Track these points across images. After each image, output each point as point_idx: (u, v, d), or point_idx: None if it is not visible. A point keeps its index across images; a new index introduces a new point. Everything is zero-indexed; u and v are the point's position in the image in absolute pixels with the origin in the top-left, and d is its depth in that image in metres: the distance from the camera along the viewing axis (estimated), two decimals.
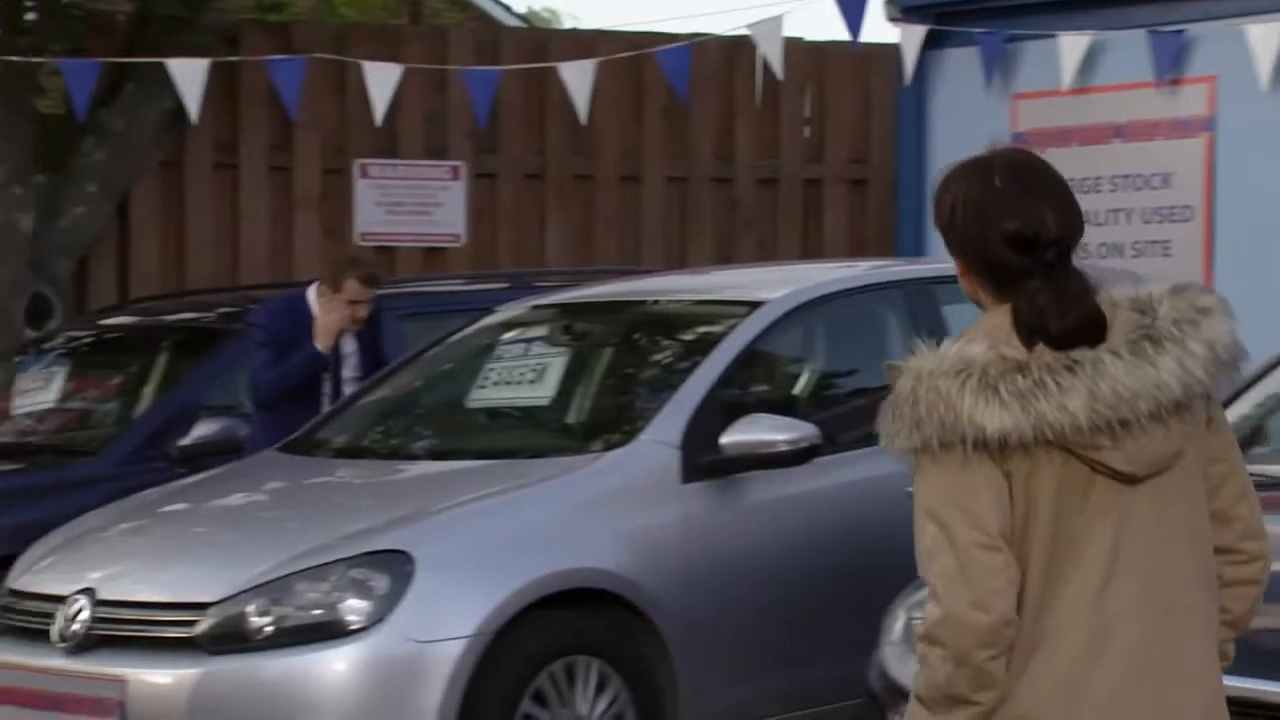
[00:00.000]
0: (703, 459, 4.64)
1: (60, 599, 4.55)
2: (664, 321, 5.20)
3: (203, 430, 5.92)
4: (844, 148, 10.17)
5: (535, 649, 4.37)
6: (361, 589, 4.29)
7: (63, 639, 4.48)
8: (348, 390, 5.88)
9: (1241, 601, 2.68)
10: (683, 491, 4.62)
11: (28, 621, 4.66)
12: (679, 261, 9.99)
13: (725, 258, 10.09)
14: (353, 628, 4.25)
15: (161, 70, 8.61)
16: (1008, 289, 2.50)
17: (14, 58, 8.16)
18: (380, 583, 4.27)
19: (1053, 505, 2.49)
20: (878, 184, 10.18)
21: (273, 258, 9.58)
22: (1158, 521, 2.54)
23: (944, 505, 2.48)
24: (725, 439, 4.63)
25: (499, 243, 9.92)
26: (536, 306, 5.64)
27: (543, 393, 5.12)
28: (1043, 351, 2.46)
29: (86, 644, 4.45)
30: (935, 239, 8.42)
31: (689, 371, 4.80)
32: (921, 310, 5.04)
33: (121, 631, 4.42)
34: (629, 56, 9.38)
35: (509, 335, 5.46)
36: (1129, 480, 2.51)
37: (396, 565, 4.29)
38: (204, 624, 4.33)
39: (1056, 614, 2.50)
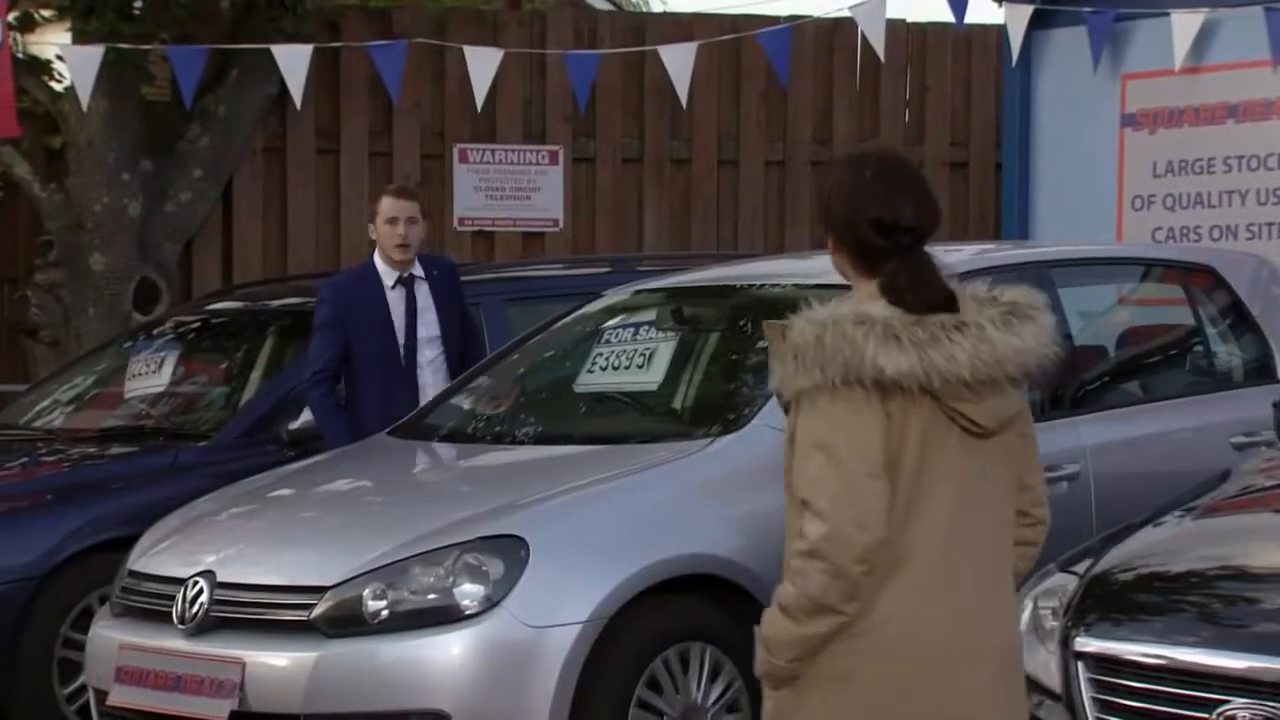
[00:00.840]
0: None
1: (180, 581, 4.59)
2: (774, 306, 5.14)
3: (312, 414, 5.96)
4: (944, 130, 10.09)
5: (649, 635, 4.35)
6: (476, 574, 4.28)
7: (182, 621, 4.53)
8: (429, 371, 5.73)
9: (1025, 560, 3.09)
10: None
11: (147, 603, 4.70)
12: (777, 246, 9.95)
13: (822, 242, 9.97)
14: (467, 612, 4.25)
15: (265, 56, 8.67)
16: (871, 267, 2.96)
17: (123, 45, 8.25)
18: (495, 567, 4.26)
19: (919, 446, 2.89)
20: (978, 167, 10.08)
21: (372, 243, 9.63)
22: (992, 476, 2.96)
23: (836, 437, 2.86)
24: None
25: (597, 227, 9.93)
26: (644, 291, 5.61)
27: (651, 378, 5.09)
28: (936, 314, 2.87)
29: (205, 626, 4.49)
30: (1040, 222, 8.36)
31: None
32: (1055, 291, 4.95)
33: (239, 614, 4.45)
34: (727, 40, 9.35)
35: (616, 320, 5.44)
36: (980, 433, 2.92)
37: (511, 550, 4.28)
38: (321, 607, 4.34)
39: (917, 537, 2.90)
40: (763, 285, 5.38)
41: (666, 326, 5.27)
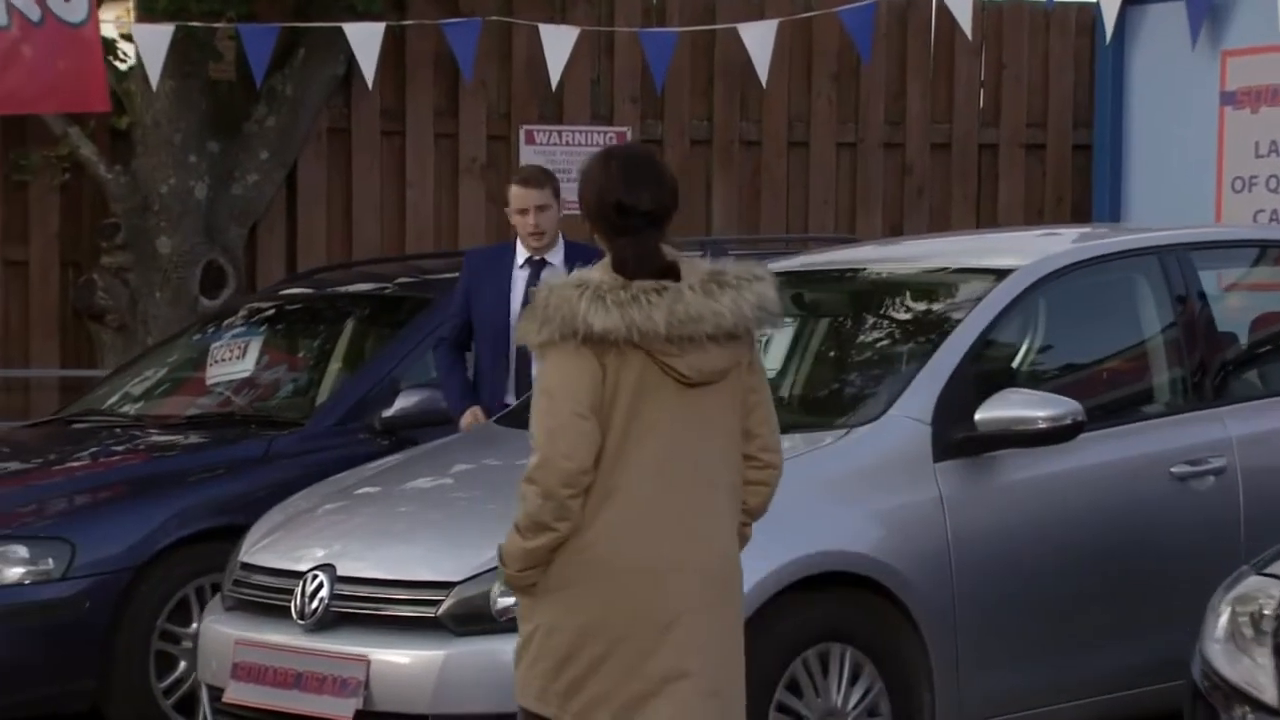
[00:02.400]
0: (955, 436, 4.44)
1: (297, 575, 4.43)
2: (899, 290, 4.97)
3: (405, 402, 5.81)
4: (1020, 111, 9.89)
5: (789, 635, 4.19)
6: None
7: (302, 616, 4.37)
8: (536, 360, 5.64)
9: (756, 497, 3.64)
10: (935, 470, 4.42)
11: (262, 596, 4.56)
12: (848, 230, 9.75)
13: (895, 226, 9.86)
14: None
15: (332, 35, 8.52)
16: (613, 242, 3.53)
17: (193, 23, 8.10)
18: None
19: (632, 392, 3.44)
20: (1055, 149, 9.89)
21: (438, 225, 9.49)
22: (705, 420, 3.51)
23: (554, 383, 3.45)
24: (980, 415, 4.42)
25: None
26: None
27: (769, 365, 4.91)
28: (644, 280, 3.45)
29: (325, 621, 4.32)
30: (1133, 205, 8.11)
31: (936, 343, 4.57)
32: (1178, 277, 4.80)
33: (361, 609, 4.28)
34: (803, 17, 9.16)
35: None
36: (688, 383, 3.47)
37: None
38: (447, 604, 4.19)
39: (628, 472, 3.44)
40: (886, 269, 5.19)
41: (787, 312, 5.06)
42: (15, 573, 5.39)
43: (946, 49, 9.81)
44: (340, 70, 9.07)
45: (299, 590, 4.39)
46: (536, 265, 5.82)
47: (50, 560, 5.39)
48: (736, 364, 3.52)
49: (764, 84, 8.49)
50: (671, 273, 3.46)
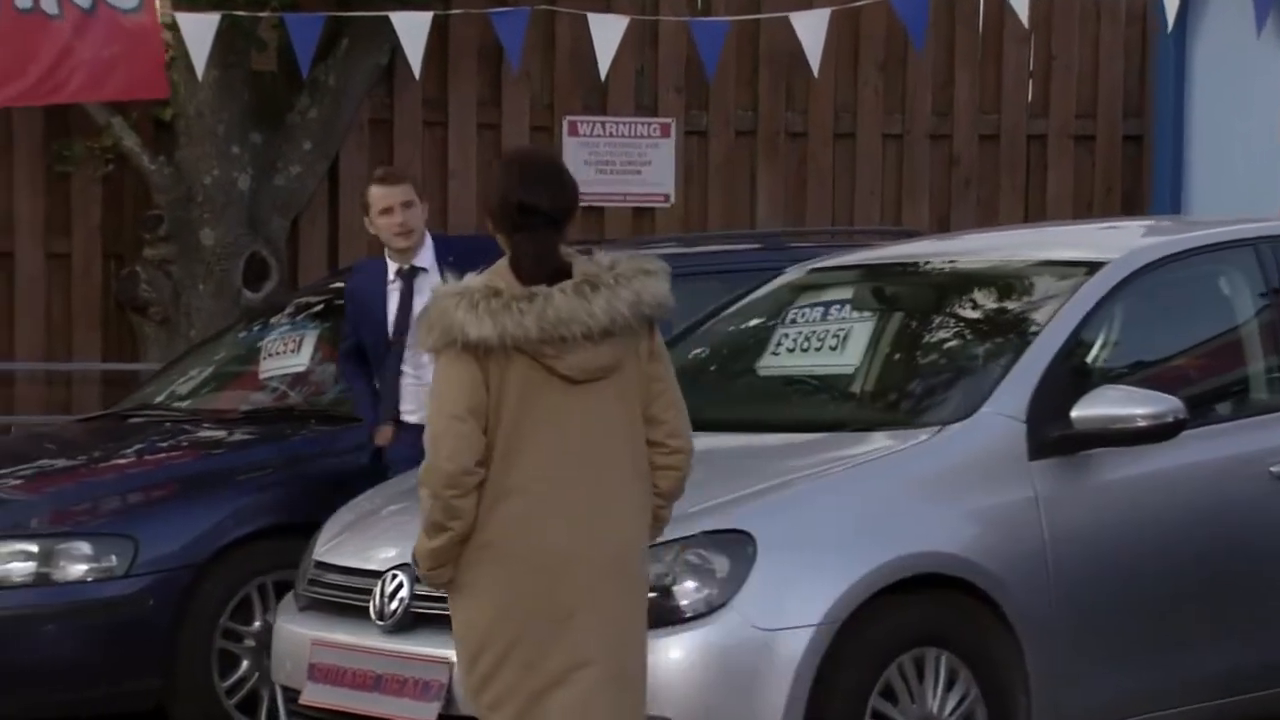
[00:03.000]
0: (1051, 434, 4.32)
1: (375, 574, 4.32)
2: (983, 283, 4.84)
3: None
4: (1070, 102, 9.76)
5: (883, 640, 4.08)
6: (698, 572, 4.01)
7: (381, 616, 4.25)
8: (411, 377, 5.34)
9: (667, 480, 3.74)
10: (1030, 469, 4.30)
11: (338, 596, 4.44)
12: (894, 222, 9.63)
13: (941, 218, 9.74)
14: (689, 614, 3.98)
15: (376, 25, 8.42)
16: (511, 240, 3.69)
17: (239, 12, 8.01)
18: (720, 565, 3.99)
19: (518, 394, 3.58)
20: (1105, 140, 9.76)
21: (481, 217, 9.37)
22: (597, 414, 3.62)
23: (439, 389, 3.61)
24: (1077, 413, 4.30)
25: (709, 202, 9.64)
26: (830, 268, 5.31)
27: (847, 360, 4.80)
28: (515, 285, 3.62)
29: (405, 622, 4.21)
30: (1194, 197, 7.96)
31: (1028, 338, 4.46)
32: (1274, 270, 4.67)
33: (441, 610, 4.07)
34: (852, 6, 9.04)
35: (802, 299, 5.15)
36: (571, 381, 3.60)
37: (737, 546, 4.00)
38: (374, 593, 4.12)
39: (521, 470, 3.58)
40: (971, 262, 5.05)
41: (865, 305, 4.97)
42: (78, 570, 5.31)
43: (995, 37, 9.69)
44: (384, 60, 8.97)
45: (377, 590, 4.27)
46: (408, 276, 5.57)
47: (113, 557, 5.30)
48: (625, 358, 3.64)
49: (815, 74, 8.36)
50: (565, 274, 3.62)
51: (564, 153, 9.47)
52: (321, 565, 4.56)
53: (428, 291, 5.02)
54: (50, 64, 6.87)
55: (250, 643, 5.47)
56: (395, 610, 4.24)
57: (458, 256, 5.36)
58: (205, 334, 8.55)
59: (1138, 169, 9.75)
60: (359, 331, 5.62)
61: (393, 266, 5.60)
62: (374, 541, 4.50)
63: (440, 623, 4.11)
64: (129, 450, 5.98)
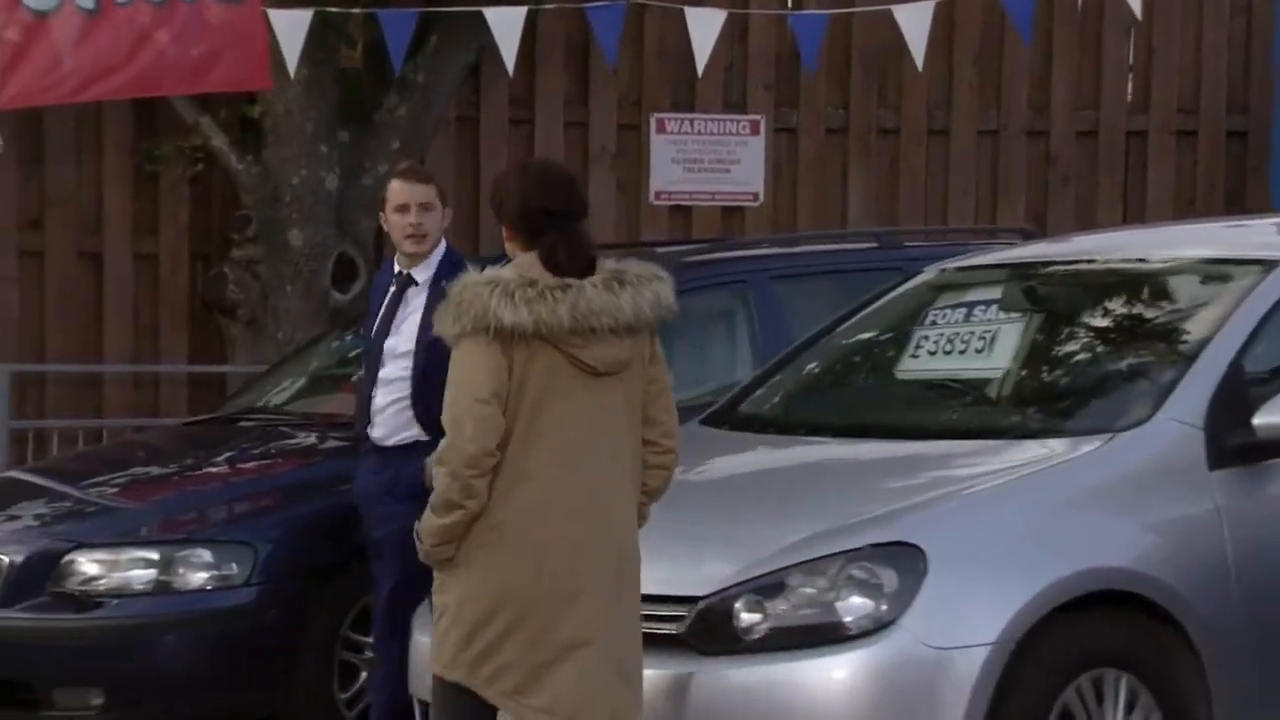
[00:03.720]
0: (1232, 442, 4.13)
1: None
2: (1142, 283, 4.64)
3: None
4: (1171, 96, 9.53)
5: (1061, 660, 3.89)
6: (865, 587, 3.82)
7: None
8: (382, 393, 4.96)
9: (656, 479, 3.95)
10: (1210, 479, 4.11)
11: None
12: (988, 221, 9.41)
13: (1037, 217, 9.52)
14: (854, 631, 3.80)
15: (466, 21, 8.27)
16: (531, 242, 3.88)
17: (331, 8, 7.87)
18: (888, 580, 3.81)
19: (540, 382, 3.76)
20: (1208, 135, 9.52)
21: None
22: (609, 408, 3.83)
23: (461, 373, 3.77)
24: (1260, 420, 4.11)
25: (798, 201, 9.45)
26: (972, 267, 5.09)
27: (995, 364, 4.61)
28: (548, 277, 3.82)
29: None
30: None
31: (1202, 341, 4.25)
32: None
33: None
34: None
35: (943, 299, 4.94)
36: (593, 372, 3.80)
37: (906, 560, 3.82)
38: (691, 621, 3.91)
39: (538, 456, 3.77)
40: (1127, 261, 4.83)
41: (1015, 306, 4.76)
42: (199, 578, 5.17)
43: (1094, 31, 9.47)
44: (472, 57, 8.83)
45: None
46: (402, 284, 5.15)
47: (234, 565, 5.16)
48: (637, 356, 3.87)
49: (919, 68, 8.14)
50: (594, 268, 3.85)
51: (651, 150, 9.35)
52: None
53: (415, 306, 5.00)
54: (152, 56, 6.73)
55: (369, 654, 5.32)
56: None
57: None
58: (292, 335, 8.43)
59: (1241, 166, 9.51)
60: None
61: (396, 269, 5.21)
62: None
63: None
64: (243, 455, 5.85)
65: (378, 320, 5.11)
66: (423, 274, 5.11)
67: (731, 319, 5.93)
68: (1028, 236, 6.56)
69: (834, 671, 3.76)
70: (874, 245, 6.37)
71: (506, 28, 8.01)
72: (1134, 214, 9.48)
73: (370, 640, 5.30)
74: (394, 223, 5.13)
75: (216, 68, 7.27)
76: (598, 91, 9.22)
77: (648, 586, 3.91)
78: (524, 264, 3.83)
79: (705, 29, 8.21)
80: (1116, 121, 9.51)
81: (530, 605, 3.73)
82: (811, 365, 4.96)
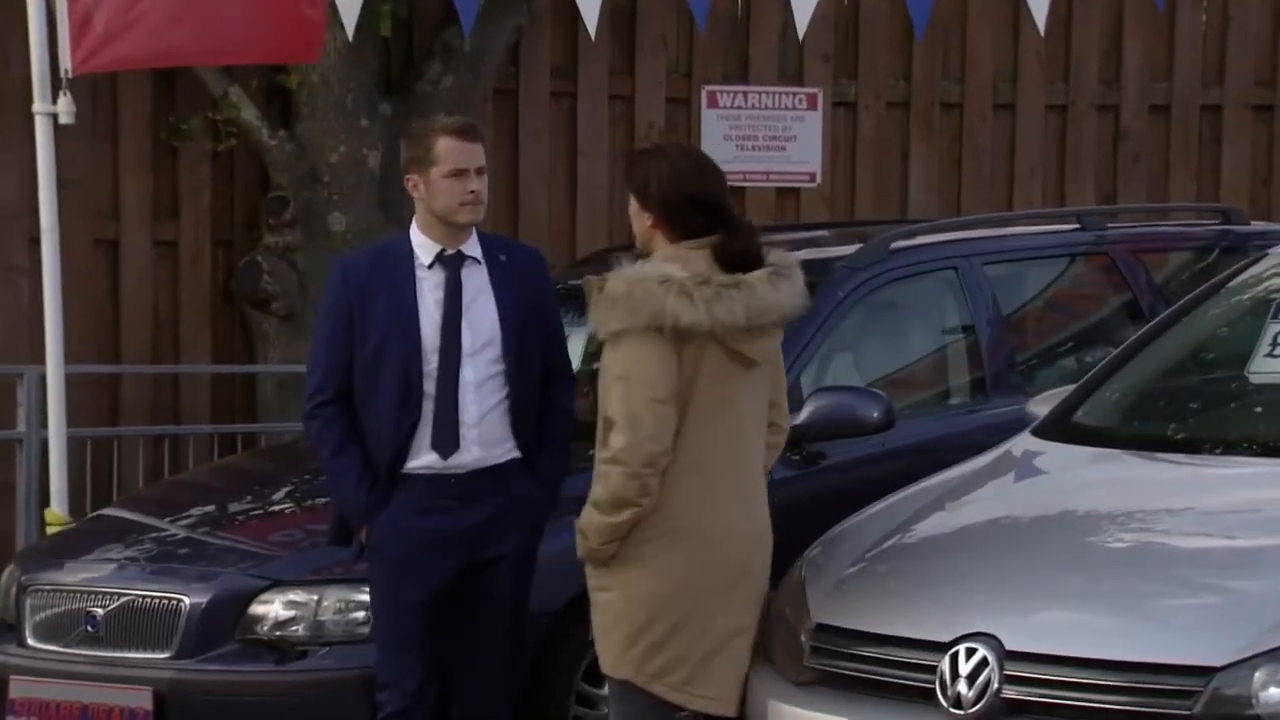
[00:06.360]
0: None
1: (939, 646, 3.38)
2: None
3: (818, 406, 4.81)
4: (1247, 68, 9.04)
5: None
6: None
7: (958, 705, 3.31)
8: (473, 398, 4.04)
9: (770, 459, 4.07)
10: None
11: (869, 671, 3.51)
12: (1056, 201, 8.88)
13: (1107, 196, 9.00)
14: None
15: None
16: (686, 236, 3.87)
17: None
18: None
19: (707, 377, 3.79)
20: None
21: (611, 198, 8.47)
22: (755, 398, 3.92)
23: (634, 371, 3.77)
24: None
25: (857, 181, 8.80)
26: None
27: None
28: (718, 274, 3.82)
29: (993, 713, 3.27)
30: None
31: None
32: None
33: (1045, 697, 3.21)
34: None
35: None
36: (749, 366, 3.87)
37: None
38: (1205, 699, 3.10)
39: (700, 451, 3.81)
40: None
41: None
42: None
43: None
44: (524, 20, 8.04)
45: (944, 667, 3.36)
46: (452, 263, 4.18)
47: None
48: (779, 344, 3.96)
49: (1041, 32, 7.47)
50: (761, 260, 3.87)
51: (702, 126, 8.63)
52: (830, 630, 3.63)
53: (478, 288, 4.12)
54: (219, 21, 5.87)
55: (606, 710, 4.54)
56: (982, 697, 3.29)
57: (514, 259, 4.23)
58: None
59: None
60: (355, 343, 4.11)
61: (430, 247, 4.18)
62: (912, 601, 3.57)
63: (1038, 714, 3.21)
64: None
65: (440, 312, 4.08)
66: (473, 249, 4.21)
67: (943, 307, 5.27)
68: (1228, 217, 6.01)
69: None
70: (1076, 226, 5.76)
71: None
72: (1206, 194, 9.00)
73: (604, 694, 4.54)
74: (445, 188, 4.16)
75: (266, 38, 6.39)
76: (644, 62, 8.48)
77: (1123, 648, 3.17)
78: (677, 257, 3.82)
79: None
80: (1190, 95, 9.01)
81: (699, 596, 3.78)
82: (1152, 365, 4.27)
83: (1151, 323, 4.42)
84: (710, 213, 3.84)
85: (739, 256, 3.82)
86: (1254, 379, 4.09)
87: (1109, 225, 5.86)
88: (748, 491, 3.87)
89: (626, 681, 3.81)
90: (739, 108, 8.71)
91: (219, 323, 7.82)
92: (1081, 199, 8.91)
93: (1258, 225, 6.14)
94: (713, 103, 8.66)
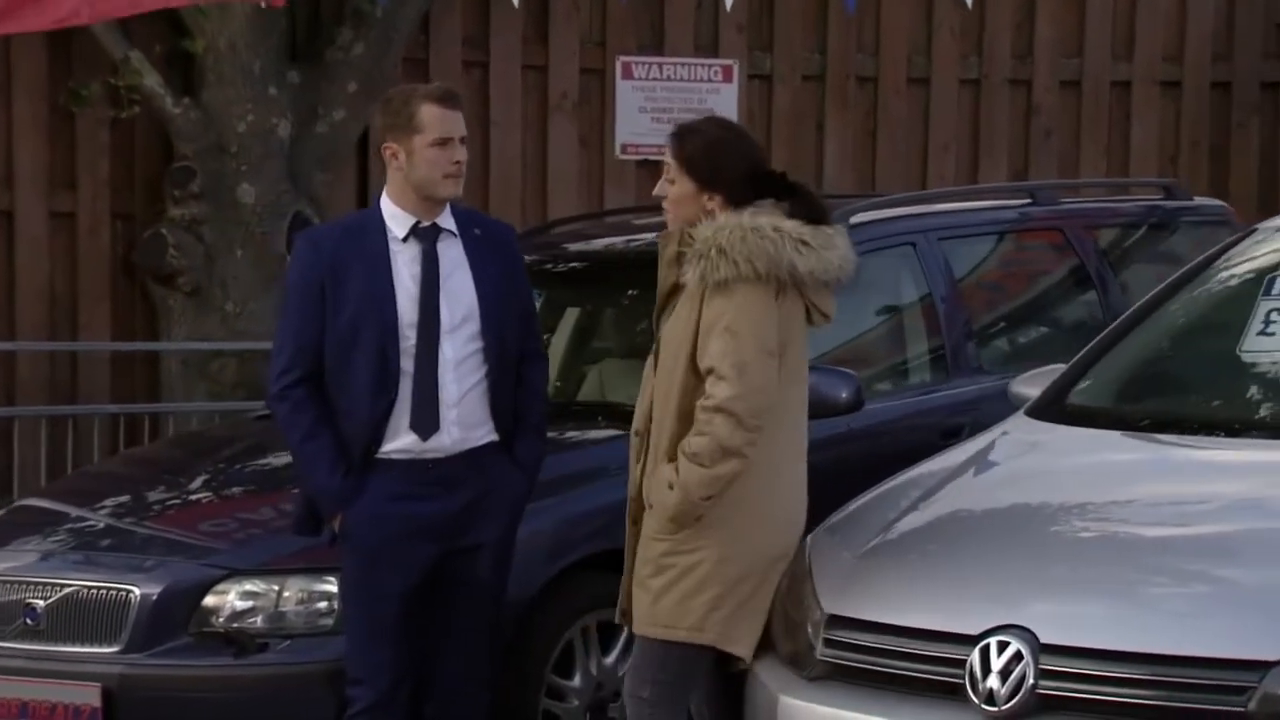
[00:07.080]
0: None
1: (963, 640, 3.20)
2: None
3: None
4: (1155, 44, 9.06)
5: None
6: None
7: (990, 701, 3.13)
8: (452, 376, 3.87)
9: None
10: None
11: (886, 665, 3.32)
12: (969, 176, 8.84)
13: (1018, 173, 8.98)
14: None
15: None
16: (743, 202, 3.80)
17: None
18: None
19: (791, 332, 3.79)
20: (1193, 86, 9.08)
21: (524, 169, 8.27)
22: (806, 355, 3.91)
23: (749, 322, 3.74)
24: None
25: (772, 153, 8.67)
26: None
27: None
28: (807, 229, 3.81)
29: (1028, 711, 3.09)
30: None
31: None
32: None
33: (1082, 693, 3.04)
34: None
35: None
36: (813, 323, 3.89)
37: None
38: (1260, 696, 2.93)
39: (789, 405, 3.80)
40: None
41: None
42: None
43: None
44: None
45: (973, 661, 3.18)
46: (426, 235, 4.01)
47: None
48: None
49: (969, 5, 7.35)
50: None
51: (617, 97, 8.46)
52: (845, 621, 3.44)
53: (454, 261, 3.94)
54: None
55: (575, 702, 4.36)
56: (1016, 694, 3.11)
57: (489, 233, 4.06)
58: (243, 306, 7.30)
59: (1226, 120, 9.14)
60: (326, 318, 3.91)
61: (404, 220, 4.00)
62: (934, 591, 3.40)
63: (1073, 710, 3.06)
64: None
65: (414, 285, 3.88)
66: (448, 222, 4.03)
67: (900, 282, 5.16)
68: (1171, 192, 5.97)
69: None
70: (1029, 201, 5.67)
71: None
72: (1116, 169, 9.02)
73: (573, 685, 4.35)
74: (429, 158, 3.96)
75: None
76: (558, 31, 8.27)
77: (1168, 641, 3.03)
78: (761, 214, 3.75)
79: None
80: (1101, 70, 9.01)
81: (783, 554, 3.75)
82: (1144, 344, 4.17)
83: (1140, 301, 4.33)
84: (782, 182, 3.85)
85: (821, 213, 3.81)
86: (1245, 357, 4.01)
87: (1064, 200, 5.79)
88: (805, 446, 3.89)
89: (700, 646, 3.62)
90: (654, 79, 8.54)
91: (119, 298, 7.50)
92: (995, 174, 8.88)
93: (1200, 200, 6.12)
94: (627, 74, 8.49)
